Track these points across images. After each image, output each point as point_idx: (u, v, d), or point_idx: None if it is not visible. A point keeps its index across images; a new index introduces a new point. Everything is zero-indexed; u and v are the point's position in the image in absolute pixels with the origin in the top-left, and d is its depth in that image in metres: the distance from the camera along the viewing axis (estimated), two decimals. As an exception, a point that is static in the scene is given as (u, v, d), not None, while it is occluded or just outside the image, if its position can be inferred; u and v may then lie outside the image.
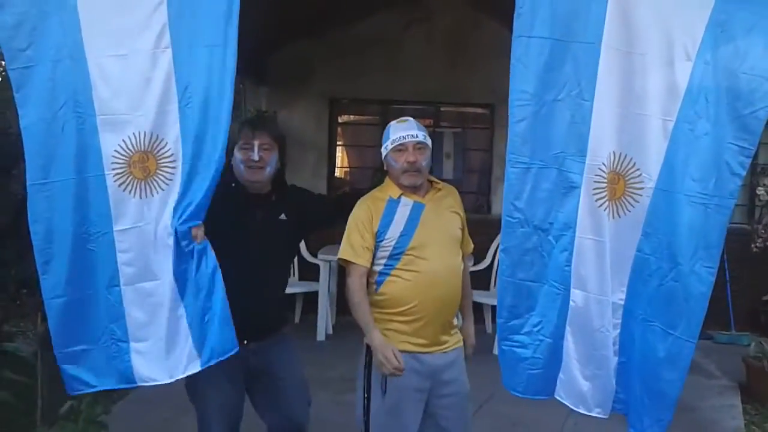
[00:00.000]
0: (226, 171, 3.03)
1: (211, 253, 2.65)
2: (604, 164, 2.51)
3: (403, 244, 2.95)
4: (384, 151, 3.04)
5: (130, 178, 2.65)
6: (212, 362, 2.67)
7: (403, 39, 7.48)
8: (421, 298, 2.93)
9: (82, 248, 2.66)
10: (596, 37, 2.47)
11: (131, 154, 2.64)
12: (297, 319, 7.15)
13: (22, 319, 4.53)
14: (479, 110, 7.97)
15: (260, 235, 3.06)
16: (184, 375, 2.70)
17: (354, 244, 2.98)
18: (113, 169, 2.65)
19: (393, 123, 3.05)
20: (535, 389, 2.66)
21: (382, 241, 2.97)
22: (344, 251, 3.00)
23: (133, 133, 2.64)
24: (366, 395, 2.97)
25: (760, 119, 2.33)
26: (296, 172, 7.10)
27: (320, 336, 6.64)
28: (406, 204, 3.00)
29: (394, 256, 2.96)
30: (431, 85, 7.45)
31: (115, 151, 2.64)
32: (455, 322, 3.15)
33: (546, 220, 2.55)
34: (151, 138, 2.64)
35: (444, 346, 3.04)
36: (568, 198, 2.53)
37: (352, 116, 8.68)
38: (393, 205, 3.00)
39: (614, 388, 2.61)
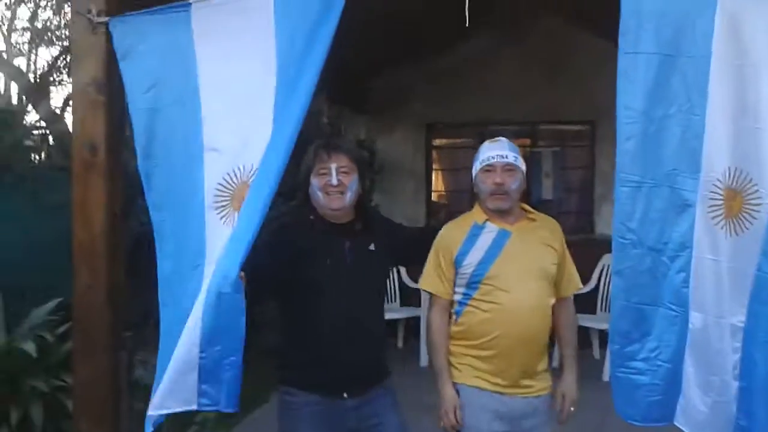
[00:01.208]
0: (300, 205, 2.90)
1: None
2: (719, 180, 2.43)
3: (480, 272, 2.79)
4: (474, 172, 2.92)
5: (229, 210, 2.63)
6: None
7: (498, 60, 7.49)
8: (500, 332, 2.77)
9: (178, 283, 2.67)
10: (705, 50, 2.40)
11: (235, 187, 2.62)
12: (400, 344, 7.18)
13: (142, 348, 4.70)
14: (578, 127, 7.87)
15: (352, 269, 2.78)
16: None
17: (434, 274, 2.90)
18: (215, 202, 2.65)
19: (485, 143, 2.93)
20: (654, 416, 2.56)
21: (460, 267, 2.83)
22: (425, 281, 2.94)
23: (239, 166, 2.60)
24: None
25: None
26: (395, 199, 7.18)
27: (423, 362, 6.63)
28: (490, 230, 2.85)
29: (472, 284, 2.82)
30: (528, 105, 7.43)
31: (219, 184, 2.64)
32: (542, 366, 2.91)
33: (660, 241, 2.47)
34: (252, 170, 2.59)
35: (526, 390, 2.85)
36: (682, 217, 2.46)
37: (447, 140, 8.72)
38: (476, 230, 2.87)
39: (734, 414, 2.48)
